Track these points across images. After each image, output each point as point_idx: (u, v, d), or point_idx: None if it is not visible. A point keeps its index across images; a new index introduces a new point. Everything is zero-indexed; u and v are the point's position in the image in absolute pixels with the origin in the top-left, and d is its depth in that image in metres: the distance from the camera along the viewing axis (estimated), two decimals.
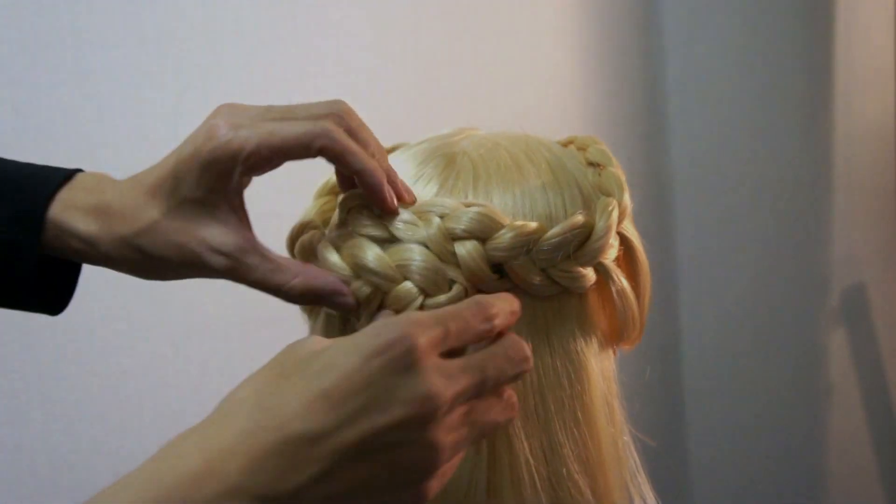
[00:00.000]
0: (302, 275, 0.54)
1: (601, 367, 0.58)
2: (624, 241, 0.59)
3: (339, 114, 0.54)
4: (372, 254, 0.54)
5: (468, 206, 0.54)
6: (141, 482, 0.42)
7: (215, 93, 1.20)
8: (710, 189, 1.77)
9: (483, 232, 0.53)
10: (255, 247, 0.55)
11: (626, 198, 0.59)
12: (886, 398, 1.84)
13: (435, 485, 0.46)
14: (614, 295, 0.57)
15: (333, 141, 0.52)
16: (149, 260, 0.55)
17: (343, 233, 0.57)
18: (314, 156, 0.53)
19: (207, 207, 0.54)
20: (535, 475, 0.54)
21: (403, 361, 0.44)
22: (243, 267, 0.54)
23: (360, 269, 0.54)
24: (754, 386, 1.83)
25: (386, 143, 0.61)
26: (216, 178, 0.53)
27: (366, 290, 0.54)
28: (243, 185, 0.55)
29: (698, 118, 1.75)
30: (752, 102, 1.73)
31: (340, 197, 0.59)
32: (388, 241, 0.55)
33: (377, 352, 0.44)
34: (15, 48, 1.08)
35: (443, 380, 0.45)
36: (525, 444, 0.54)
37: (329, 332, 0.58)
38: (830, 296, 1.80)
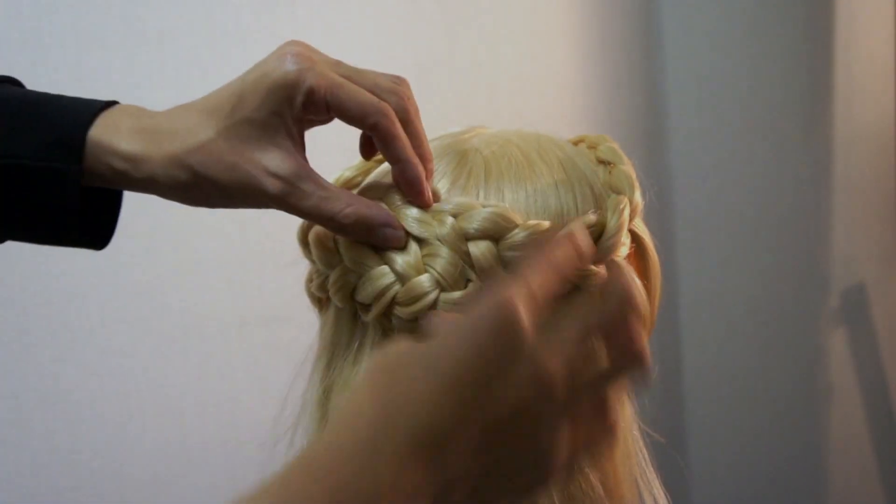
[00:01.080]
0: (355, 204, 0.53)
1: None
2: (635, 238, 0.59)
3: (401, 97, 0.55)
4: None
5: (483, 205, 0.54)
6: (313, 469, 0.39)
7: None
8: (710, 189, 1.77)
9: (496, 232, 0.53)
10: (310, 174, 0.54)
11: (637, 195, 0.59)
12: (886, 398, 1.84)
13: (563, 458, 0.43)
14: None
15: (388, 123, 0.53)
16: (198, 181, 0.54)
17: None
18: (365, 128, 0.54)
19: (267, 130, 0.53)
20: None
21: (510, 346, 0.41)
22: (298, 192, 0.53)
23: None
24: (754, 386, 1.83)
25: None
26: (281, 101, 0.53)
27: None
28: (304, 118, 0.54)
29: (698, 118, 1.75)
30: (752, 102, 1.74)
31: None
32: None
33: (485, 333, 0.41)
34: (15, 48, 1.07)
35: (549, 355, 0.42)
36: None
37: (339, 323, 0.58)
38: (830, 296, 1.80)
